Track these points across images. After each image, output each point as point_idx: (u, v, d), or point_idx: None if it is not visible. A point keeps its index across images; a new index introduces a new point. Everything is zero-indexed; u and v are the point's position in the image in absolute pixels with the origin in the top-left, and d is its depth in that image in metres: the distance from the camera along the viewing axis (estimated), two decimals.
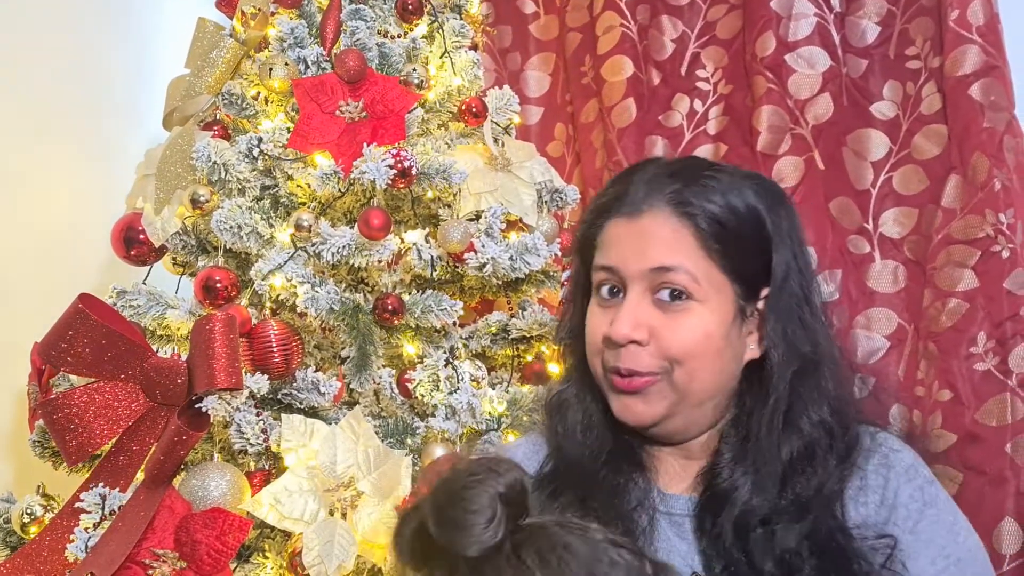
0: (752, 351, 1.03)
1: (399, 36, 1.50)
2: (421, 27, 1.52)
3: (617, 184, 1.06)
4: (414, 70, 1.42)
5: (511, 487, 0.71)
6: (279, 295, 1.31)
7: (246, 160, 1.37)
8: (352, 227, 1.32)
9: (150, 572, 1.13)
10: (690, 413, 1.01)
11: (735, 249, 1.00)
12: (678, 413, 1.01)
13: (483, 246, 1.34)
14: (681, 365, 0.98)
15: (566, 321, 1.12)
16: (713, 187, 1.00)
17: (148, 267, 1.49)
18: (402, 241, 1.36)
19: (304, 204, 1.39)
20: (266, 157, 1.37)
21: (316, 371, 1.31)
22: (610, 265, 1.02)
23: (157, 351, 1.28)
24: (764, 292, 1.02)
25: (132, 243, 1.45)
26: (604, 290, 1.03)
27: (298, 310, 1.31)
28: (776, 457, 0.99)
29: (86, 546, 1.16)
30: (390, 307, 1.33)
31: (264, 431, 1.23)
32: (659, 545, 1.01)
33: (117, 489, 1.21)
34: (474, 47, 1.57)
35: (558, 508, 0.99)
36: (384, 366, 1.39)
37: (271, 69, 1.38)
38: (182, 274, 1.53)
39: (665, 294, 0.99)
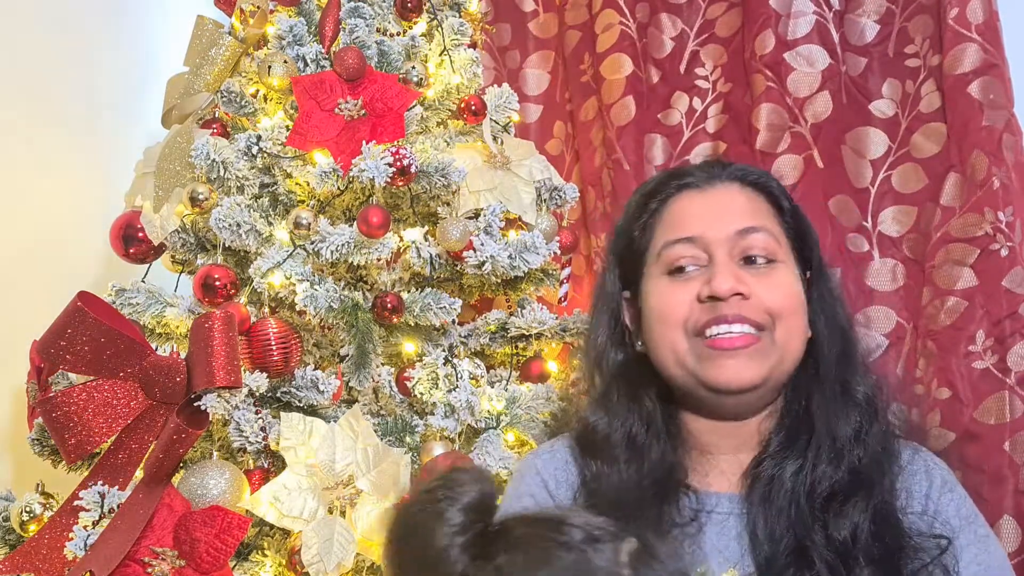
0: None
1: (398, 34, 1.50)
2: (420, 25, 1.52)
3: (663, 173, 1.11)
4: (413, 68, 1.42)
5: (468, 508, 0.64)
6: (278, 293, 1.31)
7: (245, 158, 1.36)
8: (351, 225, 1.32)
9: (149, 570, 1.13)
10: (779, 379, 1.03)
11: (794, 224, 1.06)
12: (774, 377, 1.01)
13: (482, 244, 1.34)
14: (781, 320, 1.00)
15: (596, 335, 1.10)
16: (770, 177, 1.08)
17: (147, 265, 1.49)
18: (401, 239, 1.36)
19: (303, 202, 1.39)
20: (265, 155, 1.37)
21: (315, 369, 1.31)
22: (691, 235, 1.02)
23: (156, 349, 1.28)
24: (808, 276, 1.07)
25: (131, 241, 1.45)
26: (683, 269, 1.02)
27: (297, 308, 1.31)
28: (836, 431, 1.01)
29: (85, 544, 1.16)
30: (389, 305, 1.33)
31: (263, 429, 1.23)
32: (699, 547, 1.01)
33: (116, 487, 1.21)
34: (473, 45, 1.57)
35: None
36: (383, 364, 1.39)
37: (270, 67, 1.38)
38: (181, 272, 1.53)
39: (753, 259, 1.01)
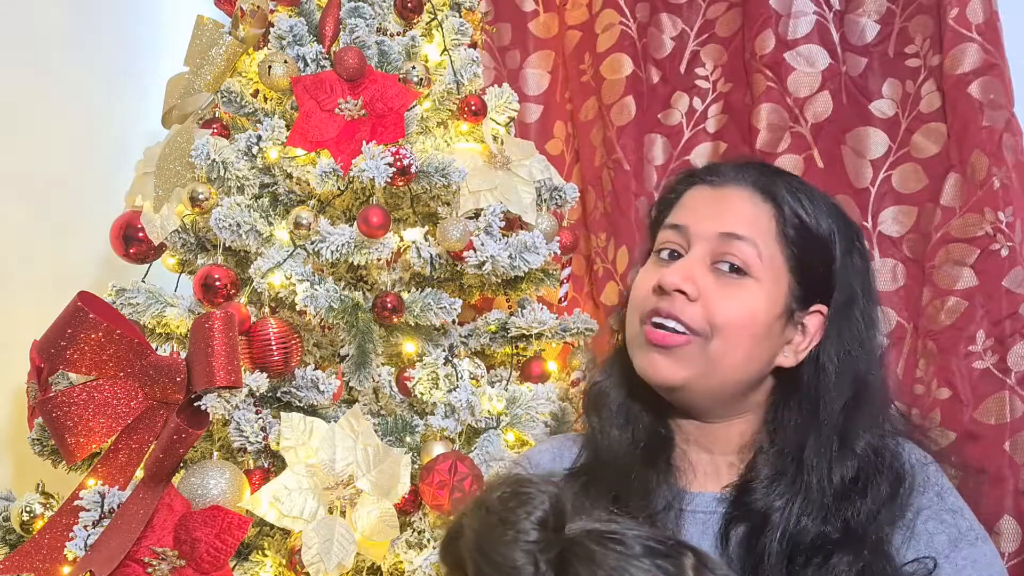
0: (785, 359, 1.03)
1: (398, 34, 1.50)
2: (420, 25, 1.52)
3: (705, 165, 1.12)
4: (413, 68, 1.42)
5: (544, 523, 0.66)
6: (278, 293, 1.31)
7: (245, 158, 1.37)
8: (351, 225, 1.32)
9: (149, 570, 1.13)
10: (711, 391, 1.01)
11: (804, 249, 1.02)
12: (699, 387, 1.00)
13: (482, 244, 1.34)
14: (720, 335, 0.98)
15: (622, 305, 1.12)
16: (803, 195, 1.03)
17: (147, 265, 1.49)
18: (401, 239, 1.36)
19: (303, 202, 1.39)
20: (265, 155, 1.37)
21: (315, 369, 1.31)
22: (679, 223, 1.03)
23: (156, 349, 1.28)
24: (815, 307, 1.03)
25: (131, 241, 1.45)
26: (664, 253, 1.03)
27: (297, 308, 1.31)
28: (827, 480, 0.98)
29: (85, 544, 1.16)
30: (389, 305, 1.33)
31: (263, 429, 1.24)
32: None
33: (116, 487, 1.21)
34: (473, 45, 1.57)
35: (590, 503, 0.96)
36: (383, 364, 1.39)
37: (270, 67, 1.38)
38: (181, 272, 1.53)
39: (725, 266, 1.00)
